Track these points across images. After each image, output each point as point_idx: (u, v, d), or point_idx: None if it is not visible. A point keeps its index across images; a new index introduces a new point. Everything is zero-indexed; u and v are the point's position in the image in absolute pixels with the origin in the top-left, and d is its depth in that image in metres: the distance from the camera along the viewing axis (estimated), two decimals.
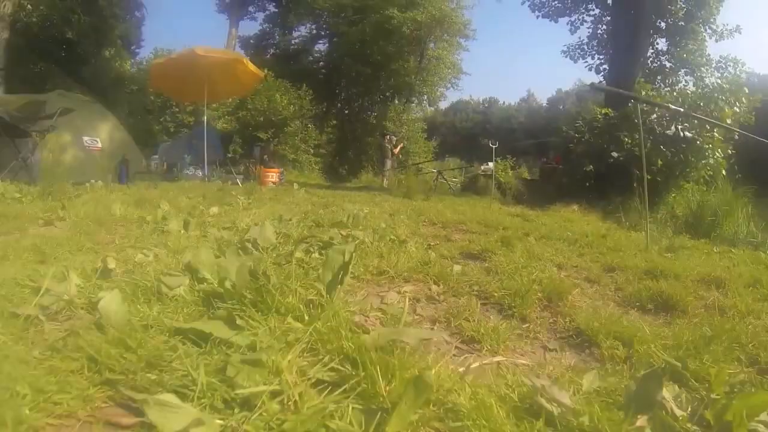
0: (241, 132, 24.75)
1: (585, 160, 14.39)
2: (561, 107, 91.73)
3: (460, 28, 31.46)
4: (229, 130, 24.11)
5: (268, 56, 33.14)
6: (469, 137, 77.68)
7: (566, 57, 20.21)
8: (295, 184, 13.26)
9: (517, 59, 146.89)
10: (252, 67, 14.19)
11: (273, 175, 14.03)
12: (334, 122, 32.44)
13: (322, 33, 35.31)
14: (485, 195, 15.07)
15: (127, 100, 22.83)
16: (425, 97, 32.11)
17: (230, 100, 23.42)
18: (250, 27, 51.97)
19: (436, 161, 29.09)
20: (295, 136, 25.84)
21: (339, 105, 34.82)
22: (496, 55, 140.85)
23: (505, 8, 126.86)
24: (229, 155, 15.91)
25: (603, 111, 14.91)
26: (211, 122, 22.01)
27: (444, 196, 14.33)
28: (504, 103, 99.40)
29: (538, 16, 19.54)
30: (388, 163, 19.61)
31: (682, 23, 18.29)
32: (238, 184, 12.30)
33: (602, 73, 19.67)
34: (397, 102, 30.30)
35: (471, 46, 33.43)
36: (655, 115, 13.53)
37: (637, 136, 11.29)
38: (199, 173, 13.69)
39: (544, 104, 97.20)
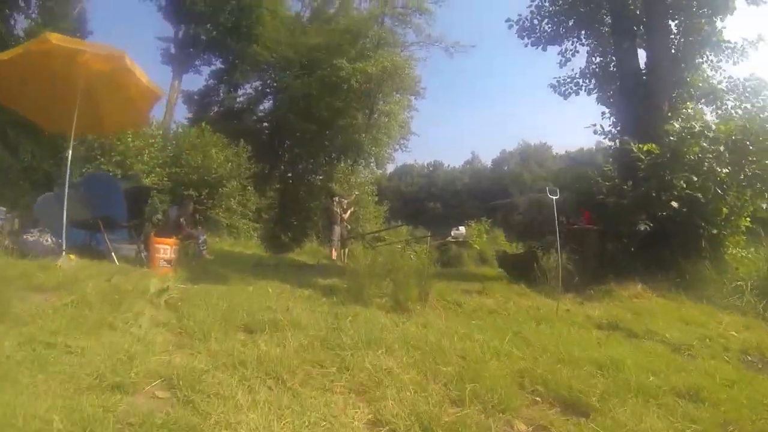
0: (172, 190, 21.25)
1: (637, 216, 10.45)
2: (506, 168, 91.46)
3: (411, 84, 29.16)
4: (161, 187, 20.61)
5: (212, 113, 31.04)
6: (414, 201, 76.05)
7: (554, 92, 16.22)
8: (207, 255, 11.72)
9: (461, 120, 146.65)
10: (145, 78, 8.70)
11: (167, 250, 9.14)
12: (277, 185, 29.35)
13: (268, 90, 33.27)
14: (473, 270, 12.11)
15: None
16: (373, 158, 29.17)
17: (130, 138, 19.90)
18: (195, 81, 49.27)
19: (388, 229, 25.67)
20: (231, 197, 22.40)
21: (282, 167, 32.21)
22: (439, 116, 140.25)
23: (447, 66, 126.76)
24: (135, 220, 12.28)
25: (646, 148, 10.89)
26: (139, 174, 19.23)
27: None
28: (448, 166, 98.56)
29: (526, 44, 15.71)
30: (337, 231, 16.31)
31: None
32: (113, 260, 8.43)
33: (607, 114, 15.33)
34: (344, 163, 26.93)
35: (416, 105, 30.35)
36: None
37: (696, 178, 9.18)
38: (49, 241, 8.86)
39: (489, 165, 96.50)
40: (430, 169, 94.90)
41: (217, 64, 35.24)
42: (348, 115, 27.70)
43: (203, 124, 24.68)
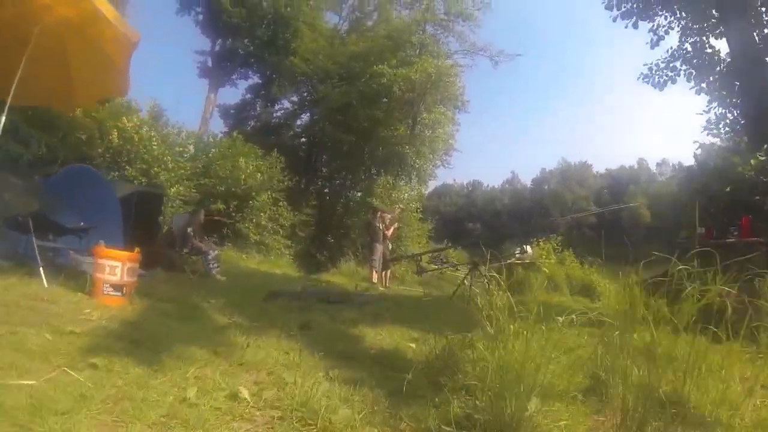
0: (201, 202, 19.16)
1: None
2: (546, 187, 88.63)
3: (455, 95, 26.89)
4: (188, 199, 18.74)
5: (248, 128, 29.10)
6: (454, 222, 73.83)
7: (645, 81, 12.96)
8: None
9: (500, 138, 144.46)
10: (119, 20, 6.43)
11: (116, 269, 5.93)
12: (314, 202, 27.25)
13: (305, 104, 31.27)
14: None
15: None
16: (416, 173, 26.55)
17: (155, 145, 18.50)
18: (232, 95, 48.31)
19: (438, 250, 22.83)
20: (261, 212, 20.24)
21: (320, 182, 30.10)
22: (479, 133, 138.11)
23: (487, 80, 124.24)
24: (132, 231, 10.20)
25: None
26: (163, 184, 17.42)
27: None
28: (488, 186, 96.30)
29: (615, 18, 12.76)
30: (379, 250, 13.97)
31: None
32: (42, 278, 5.81)
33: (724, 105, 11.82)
34: (385, 177, 24.62)
35: (458, 121, 27.95)
36: None
37: None
38: None
39: (529, 185, 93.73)
40: (469, 188, 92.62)
41: (254, 79, 34.13)
42: (389, 126, 25.44)
43: (235, 134, 22.83)
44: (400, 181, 24.64)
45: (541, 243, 16.46)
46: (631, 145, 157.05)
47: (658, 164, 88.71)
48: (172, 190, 18.11)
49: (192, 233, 10.34)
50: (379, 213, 14.70)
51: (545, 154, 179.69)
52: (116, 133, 18.17)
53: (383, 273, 14.30)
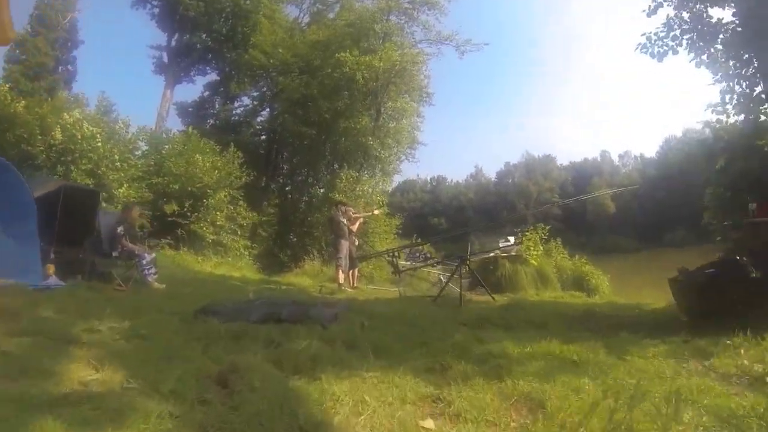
0: (153, 203, 18.00)
1: None
2: (510, 181, 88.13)
3: (419, 86, 25.59)
4: (140, 201, 17.19)
5: (208, 126, 27.90)
6: (418, 217, 72.54)
7: (643, 52, 11.48)
8: None
9: (464, 132, 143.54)
10: None
11: None
12: (276, 201, 25.93)
13: (265, 100, 29.87)
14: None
15: None
16: (380, 166, 24.90)
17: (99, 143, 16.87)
18: (189, 92, 46.02)
19: (414, 245, 21.30)
20: (217, 210, 18.74)
21: (281, 180, 28.76)
22: (443, 128, 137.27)
23: (449, 73, 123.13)
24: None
25: None
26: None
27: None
28: (452, 180, 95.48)
29: None
30: (345, 246, 12.53)
31: None
32: None
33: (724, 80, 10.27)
34: (348, 171, 22.90)
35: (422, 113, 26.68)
36: None
37: None
38: None
39: (493, 179, 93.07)
40: (434, 184, 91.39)
41: (213, 75, 32.76)
42: (352, 118, 23.86)
43: (189, 129, 21.29)
44: (364, 174, 23.12)
45: (527, 233, 15.00)
46: (593, 138, 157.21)
47: (620, 156, 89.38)
48: (120, 190, 16.71)
49: (123, 233, 8.87)
50: (342, 207, 13.28)
51: (509, 148, 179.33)
52: (59, 130, 16.59)
53: (350, 272, 12.92)
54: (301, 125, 24.01)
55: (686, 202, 60.63)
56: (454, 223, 70.60)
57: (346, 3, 27.10)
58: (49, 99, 19.83)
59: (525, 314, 7.60)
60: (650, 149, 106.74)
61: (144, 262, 8.68)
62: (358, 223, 13.48)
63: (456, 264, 10.94)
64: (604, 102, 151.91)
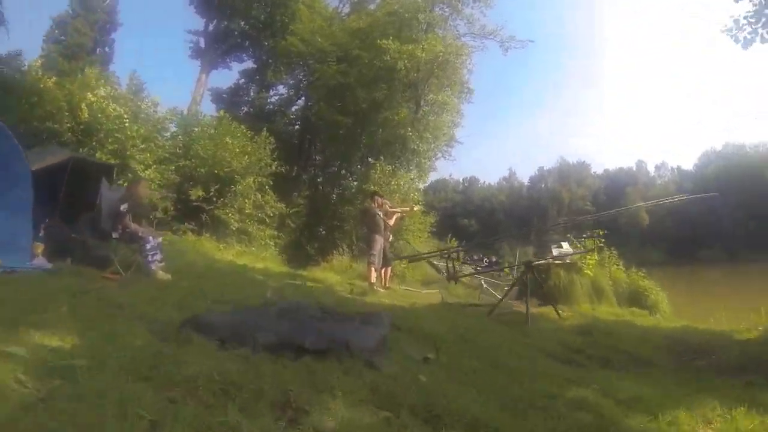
0: (179, 187, 17.05)
1: None
2: (543, 186, 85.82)
3: (461, 80, 24.17)
4: (166, 183, 16.58)
5: (241, 113, 26.90)
6: (449, 218, 70.87)
7: (729, 35, 9.92)
8: None
9: (498, 134, 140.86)
10: None
11: None
12: (307, 193, 24.68)
13: (301, 88, 28.74)
14: None
15: None
16: (417, 160, 23.31)
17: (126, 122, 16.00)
18: (225, 78, 45.39)
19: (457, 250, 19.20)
20: (245, 197, 17.57)
21: (313, 170, 27.53)
22: (478, 128, 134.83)
23: (490, 71, 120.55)
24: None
25: None
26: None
27: None
28: (484, 182, 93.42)
29: None
30: (379, 242, 11.17)
31: None
32: None
33: None
34: (383, 163, 21.35)
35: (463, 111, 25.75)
36: None
37: None
38: None
39: (526, 183, 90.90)
40: (466, 184, 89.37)
41: (249, 63, 32.05)
42: (391, 109, 22.57)
43: (221, 112, 20.21)
44: (400, 168, 21.69)
45: (584, 240, 13.17)
46: (629, 148, 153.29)
47: (656, 167, 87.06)
48: (147, 172, 15.59)
49: (126, 211, 7.52)
50: (378, 199, 11.88)
51: (543, 153, 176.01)
52: (85, 108, 15.75)
53: (383, 270, 11.57)
54: (336, 114, 22.65)
55: (720, 218, 58.40)
56: (484, 225, 69.33)
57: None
58: (79, 75, 18.98)
59: (612, 341, 6.23)
60: (687, 161, 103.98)
61: (148, 246, 7.34)
62: (394, 218, 12.12)
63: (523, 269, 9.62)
64: (642, 112, 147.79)
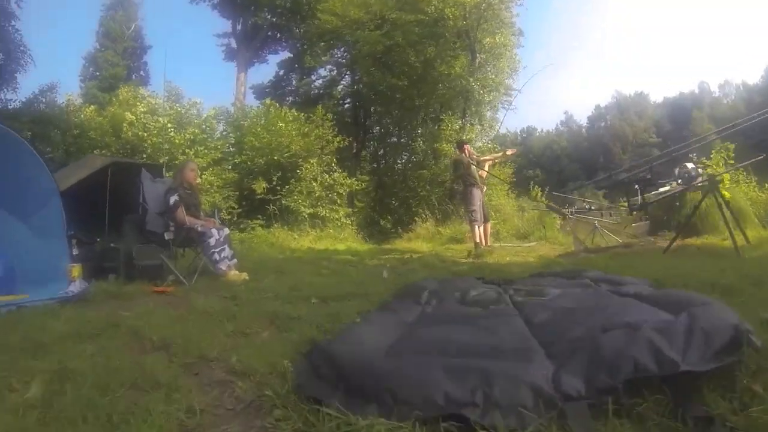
0: (239, 183, 16.32)
1: None
2: (603, 124, 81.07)
3: (509, 21, 21.73)
4: (225, 182, 15.98)
5: (287, 104, 24.46)
6: (514, 170, 68.19)
7: None
8: None
9: (549, 77, 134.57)
10: None
11: None
12: (371, 167, 23.50)
13: (344, 63, 26.99)
14: None
15: None
16: (488, 109, 21.69)
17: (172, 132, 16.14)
18: (264, 73, 44.22)
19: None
20: (313, 180, 16.21)
21: (372, 145, 25.81)
22: (526, 74, 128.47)
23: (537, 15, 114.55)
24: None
25: None
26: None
27: None
28: (542, 130, 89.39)
29: None
30: (477, 196, 9.43)
31: None
32: None
33: None
34: (449, 114, 19.70)
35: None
36: None
37: None
38: None
39: (584, 124, 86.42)
40: (524, 135, 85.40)
41: (285, 53, 31.09)
42: (445, 62, 20.49)
43: (268, 100, 18.99)
44: (467, 123, 19.73)
45: (705, 159, 10.35)
46: (688, 70, 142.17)
47: (720, 86, 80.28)
48: (204, 176, 14.96)
49: (178, 202, 5.97)
50: (466, 148, 10.06)
51: (598, 91, 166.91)
52: (127, 126, 16.00)
53: (484, 227, 9.78)
54: (390, 77, 20.89)
55: None
56: (549, 173, 65.66)
57: None
58: (116, 97, 18.42)
59: None
60: (752, 76, 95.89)
61: (211, 241, 5.85)
62: (487, 166, 10.31)
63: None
64: (699, 27, 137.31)
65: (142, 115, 16.26)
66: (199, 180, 7.99)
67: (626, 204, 10.11)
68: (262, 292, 4.70)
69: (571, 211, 10.19)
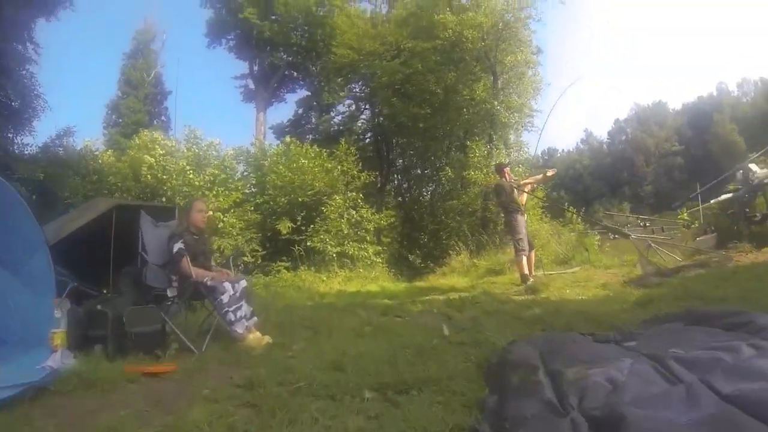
0: (262, 225, 15.60)
1: None
2: (623, 137, 79.80)
3: (527, 40, 20.70)
4: (248, 223, 15.27)
5: (308, 141, 23.91)
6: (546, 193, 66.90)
7: None
8: None
9: (566, 96, 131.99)
10: None
11: None
12: (397, 201, 22.84)
13: (362, 97, 26.45)
14: None
15: None
16: (512, 133, 20.25)
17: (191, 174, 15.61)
18: (283, 112, 43.52)
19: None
20: (339, 217, 15.41)
21: (398, 178, 24.99)
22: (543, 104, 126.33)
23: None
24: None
25: None
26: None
27: None
28: (563, 150, 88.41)
29: None
30: (522, 223, 8.58)
31: None
32: None
33: None
34: (475, 139, 18.85)
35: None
36: None
37: None
38: None
39: (605, 139, 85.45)
40: (545, 157, 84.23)
41: (303, 91, 31.18)
42: (467, 84, 19.69)
43: (287, 138, 18.50)
44: (494, 148, 18.63)
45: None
46: (705, 71, 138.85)
47: (738, 85, 78.16)
48: (225, 219, 14.47)
49: (182, 250, 4.99)
50: (506, 171, 9.20)
51: (618, 106, 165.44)
52: (146, 170, 15.46)
53: (528, 256, 8.82)
54: (412, 106, 20.00)
55: None
56: (574, 193, 64.37)
57: None
58: (134, 140, 18.02)
59: None
60: None
61: (224, 298, 4.75)
62: (529, 186, 9.43)
63: None
64: (710, 27, 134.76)
65: (161, 158, 15.84)
66: (210, 213, 7.05)
67: (685, 216, 9.07)
68: (290, 374, 3.55)
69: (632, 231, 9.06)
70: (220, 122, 72.24)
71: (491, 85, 19.29)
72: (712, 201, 8.60)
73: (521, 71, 20.29)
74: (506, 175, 8.99)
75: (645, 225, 10.01)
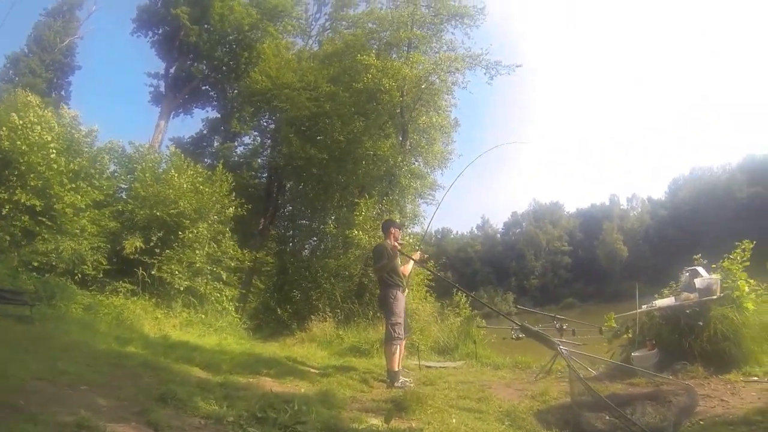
0: (116, 237, 12.78)
1: None
2: (518, 230, 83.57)
3: (445, 107, 19.71)
4: (100, 232, 12.57)
5: (205, 165, 21.70)
6: (424, 270, 66.89)
7: None
8: None
9: (469, 184, 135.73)
10: None
11: None
12: (278, 248, 21.29)
13: (268, 130, 25.38)
14: None
15: None
16: (410, 198, 18.75)
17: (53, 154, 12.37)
18: (187, 128, 40.23)
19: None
20: (198, 247, 13.13)
21: (284, 224, 23.57)
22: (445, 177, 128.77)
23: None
24: None
25: None
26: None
27: None
28: (457, 232, 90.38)
29: None
30: (402, 302, 6.73)
31: None
32: None
33: None
34: (366, 197, 16.53)
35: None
36: None
37: None
38: None
39: (500, 229, 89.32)
40: (438, 236, 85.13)
41: (213, 112, 29.26)
42: (373, 139, 18.29)
43: (172, 147, 16.73)
44: (387, 212, 16.55)
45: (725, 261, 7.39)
46: (601, 184, 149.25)
47: (628, 199, 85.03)
48: (77, 219, 12.00)
49: None
50: (394, 232, 7.22)
51: (516, 198, 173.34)
52: (6, 132, 12.13)
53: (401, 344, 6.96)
54: (310, 147, 18.37)
55: (698, 240, 54.54)
56: (461, 275, 64.90)
57: (359, 18, 21.30)
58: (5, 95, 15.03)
59: None
60: (657, 191, 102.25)
61: None
62: (411, 264, 7.68)
63: None
64: (610, 148, 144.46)
65: (30, 125, 12.52)
66: None
67: (613, 323, 7.39)
68: None
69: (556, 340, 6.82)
70: (120, 117, 66.64)
71: (399, 144, 17.97)
72: (645, 306, 6.96)
73: (433, 137, 18.99)
74: (392, 236, 7.10)
75: (562, 327, 7.91)
